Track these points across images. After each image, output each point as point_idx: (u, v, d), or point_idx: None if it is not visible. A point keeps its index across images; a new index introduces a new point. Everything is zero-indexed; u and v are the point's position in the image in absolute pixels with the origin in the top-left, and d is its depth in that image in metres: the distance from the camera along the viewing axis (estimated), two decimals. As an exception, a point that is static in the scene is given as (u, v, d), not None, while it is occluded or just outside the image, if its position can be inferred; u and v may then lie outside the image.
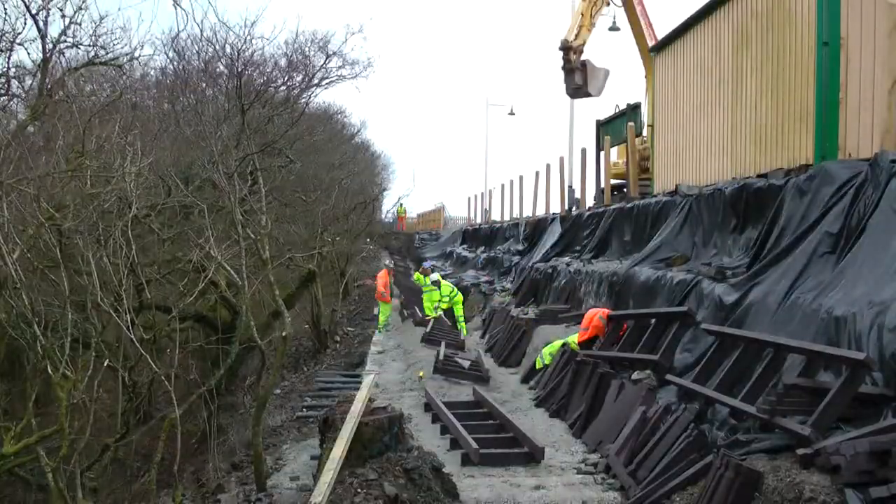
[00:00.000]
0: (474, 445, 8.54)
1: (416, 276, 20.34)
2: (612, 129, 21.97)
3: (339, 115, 32.14)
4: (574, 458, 8.66)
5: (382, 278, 21.10)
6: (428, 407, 11.04)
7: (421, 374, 13.14)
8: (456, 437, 9.20)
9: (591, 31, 22.21)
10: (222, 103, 16.99)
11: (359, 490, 6.27)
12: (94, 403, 8.15)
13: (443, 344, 14.96)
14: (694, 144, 14.06)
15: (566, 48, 21.85)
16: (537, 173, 28.53)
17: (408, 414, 10.18)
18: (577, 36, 21.75)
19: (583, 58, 22.45)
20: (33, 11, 11.21)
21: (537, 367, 12.62)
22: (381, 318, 20.72)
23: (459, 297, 19.54)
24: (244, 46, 16.55)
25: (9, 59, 12.20)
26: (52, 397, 8.87)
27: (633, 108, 20.94)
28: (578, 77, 22.30)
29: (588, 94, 23.43)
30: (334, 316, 21.86)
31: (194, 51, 17.87)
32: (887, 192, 7.91)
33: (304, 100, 20.67)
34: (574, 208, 22.59)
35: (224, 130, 13.96)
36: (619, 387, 9.31)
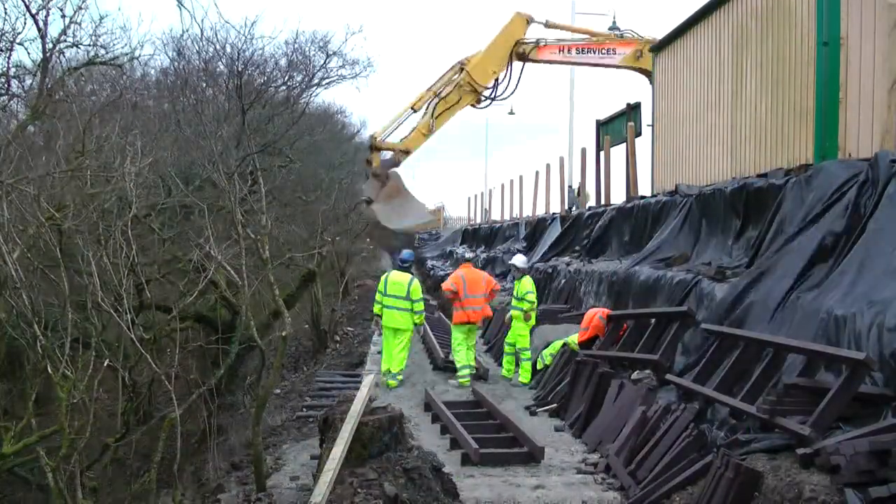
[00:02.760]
0: (474, 445, 8.54)
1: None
2: (612, 129, 21.97)
3: (339, 115, 32.20)
4: (574, 458, 8.66)
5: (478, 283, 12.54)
6: (428, 407, 11.04)
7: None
8: (456, 437, 9.20)
9: (423, 141, 18.76)
10: (222, 103, 17.00)
11: (359, 490, 6.26)
12: (94, 403, 8.16)
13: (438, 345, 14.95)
14: (694, 144, 14.06)
15: (373, 146, 18.56)
16: (537, 173, 28.53)
17: (408, 414, 10.17)
18: (387, 137, 18.47)
19: (395, 169, 18.73)
20: (33, 11, 11.23)
21: (538, 367, 12.62)
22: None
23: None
24: (244, 46, 16.60)
25: (9, 58, 12.22)
26: (52, 397, 8.88)
27: (633, 108, 20.92)
28: (373, 188, 18.37)
29: (374, 216, 18.94)
30: (334, 316, 21.87)
31: (194, 50, 17.89)
32: (887, 192, 7.91)
33: (304, 100, 20.68)
34: (574, 208, 22.58)
35: (224, 130, 13.98)
36: (619, 387, 9.31)
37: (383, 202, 18.48)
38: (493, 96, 19.48)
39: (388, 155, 19.36)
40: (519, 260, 13.34)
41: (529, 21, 19.27)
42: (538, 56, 19.49)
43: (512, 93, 19.67)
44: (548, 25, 19.76)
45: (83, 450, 8.25)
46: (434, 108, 18.77)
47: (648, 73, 19.74)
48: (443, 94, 18.82)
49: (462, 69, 18.91)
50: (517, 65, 19.33)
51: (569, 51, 19.79)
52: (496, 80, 19.33)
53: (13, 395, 11.34)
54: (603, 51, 19.79)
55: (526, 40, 19.24)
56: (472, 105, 19.63)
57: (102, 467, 9.63)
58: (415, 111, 19.08)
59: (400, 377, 12.53)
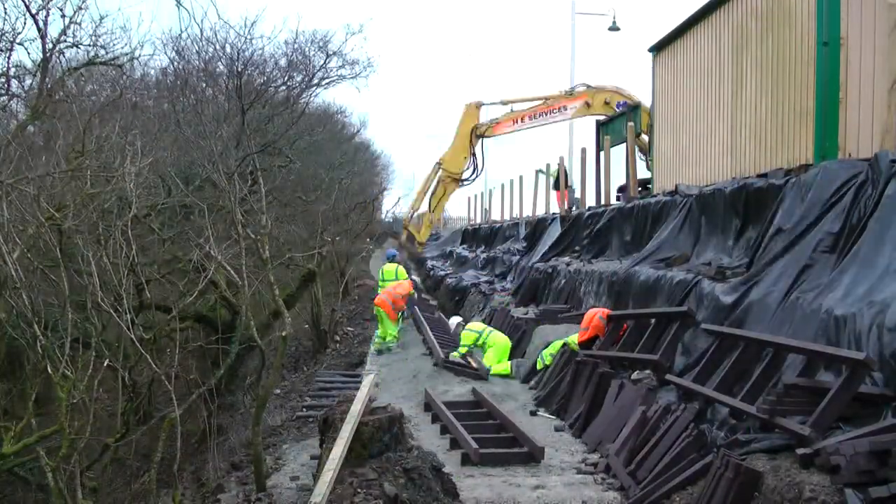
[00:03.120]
0: (474, 445, 8.54)
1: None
2: (612, 129, 21.97)
3: (339, 115, 32.17)
4: (574, 458, 8.66)
5: (404, 290, 16.80)
6: (428, 407, 11.04)
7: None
8: (456, 437, 9.20)
9: (429, 232, 25.53)
10: (222, 103, 17.00)
11: (359, 490, 6.27)
12: (93, 403, 8.15)
13: (437, 343, 14.96)
14: (694, 144, 14.06)
15: (404, 226, 25.68)
16: (537, 173, 28.51)
17: (408, 414, 10.17)
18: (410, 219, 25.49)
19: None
20: (33, 11, 11.23)
21: (538, 367, 12.62)
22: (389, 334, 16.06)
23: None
24: (244, 46, 16.59)
25: (9, 58, 12.22)
26: (52, 397, 8.87)
27: (633, 108, 20.94)
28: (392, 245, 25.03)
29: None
30: (334, 316, 21.84)
31: (194, 51, 17.87)
32: (887, 192, 7.91)
33: (304, 100, 20.69)
34: (574, 208, 22.59)
35: (224, 130, 13.96)
36: (619, 387, 9.31)
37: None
38: (469, 177, 23.95)
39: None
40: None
41: (479, 105, 23.14)
42: (495, 132, 23.23)
43: (482, 168, 24.02)
44: (504, 102, 23.24)
45: (83, 450, 8.25)
46: (430, 203, 24.15)
47: (604, 114, 22.75)
48: (432, 191, 23.87)
49: (440, 166, 23.37)
50: (480, 145, 23.42)
51: (522, 120, 23.26)
52: (471, 161, 23.60)
53: (13, 395, 11.33)
54: (555, 111, 23.38)
55: (481, 123, 23.13)
56: (457, 188, 24.39)
57: (102, 467, 9.62)
58: (414, 211, 25.69)
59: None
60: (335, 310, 22.24)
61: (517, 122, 23.06)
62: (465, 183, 23.71)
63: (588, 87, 23.21)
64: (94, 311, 8.83)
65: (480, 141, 23.15)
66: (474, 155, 23.24)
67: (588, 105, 23.03)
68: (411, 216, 25.66)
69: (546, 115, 23.03)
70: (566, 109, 22.98)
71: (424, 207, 25.08)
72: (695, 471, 6.77)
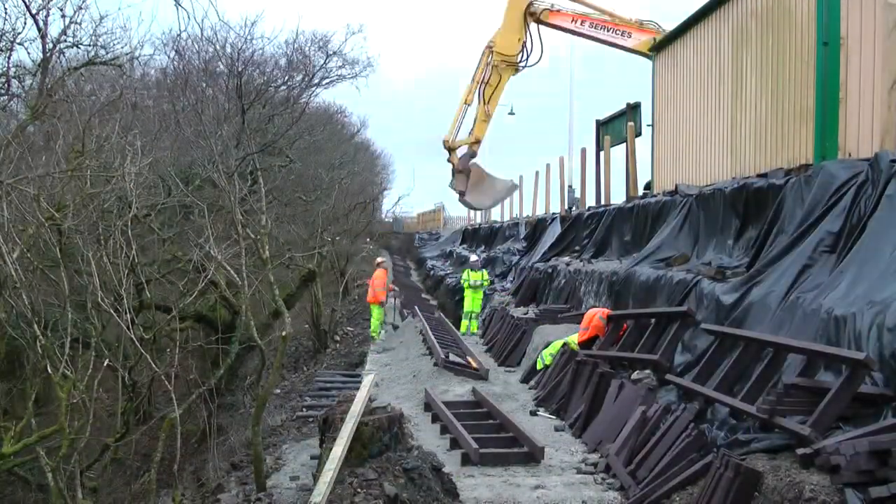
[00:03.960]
0: (474, 445, 8.53)
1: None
2: (611, 129, 21.96)
3: (339, 115, 32.18)
4: (574, 458, 8.66)
5: (379, 279, 19.06)
6: (428, 407, 11.03)
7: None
8: (456, 437, 9.20)
9: (486, 126, 20.91)
10: (222, 103, 16.99)
11: (359, 490, 6.27)
12: (93, 403, 8.14)
13: (437, 345, 14.96)
14: (694, 144, 14.06)
15: (448, 149, 21.04)
16: (537, 173, 28.54)
17: (408, 414, 10.17)
18: (456, 136, 20.85)
19: (474, 160, 21.17)
20: (33, 11, 11.22)
21: (538, 367, 12.62)
22: (374, 324, 19.00)
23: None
24: (244, 46, 16.61)
25: (9, 58, 12.22)
26: (52, 397, 8.87)
27: (633, 108, 20.92)
28: (461, 182, 21.10)
29: (469, 205, 22.13)
30: (334, 316, 21.85)
31: (194, 50, 17.89)
32: (887, 192, 7.91)
33: (304, 99, 20.70)
34: (574, 208, 22.59)
35: (224, 130, 13.96)
36: (619, 387, 9.30)
37: (473, 191, 20.93)
38: (526, 63, 20.46)
39: (463, 150, 21.06)
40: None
41: None
42: (550, 19, 20.21)
43: (540, 56, 20.62)
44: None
45: (83, 450, 8.25)
46: (483, 95, 20.24)
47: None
48: (485, 80, 20.19)
49: (491, 51, 20.15)
50: (535, 28, 20.27)
51: (582, 22, 20.31)
52: (523, 46, 20.34)
53: (13, 395, 11.33)
54: (618, 31, 20.16)
55: (537, 3, 20.11)
56: (513, 74, 20.77)
57: (102, 467, 9.62)
58: (468, 105, 20.68)
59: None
60: (335, 310, 22.25)
61: (577, 21, 20.21)
62: (523, 68, 20.45)
63: (659, 27, 20.29)
64: (94, 311, 8.82)
65: (537, 26, 20.10)
66: (530, 38, 20.16)
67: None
68: (454, 132, 21.24)
69: (609, 31, 20.18)
70: (629, 37, 19.93)
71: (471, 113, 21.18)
72: (695, 471, 6.77)
